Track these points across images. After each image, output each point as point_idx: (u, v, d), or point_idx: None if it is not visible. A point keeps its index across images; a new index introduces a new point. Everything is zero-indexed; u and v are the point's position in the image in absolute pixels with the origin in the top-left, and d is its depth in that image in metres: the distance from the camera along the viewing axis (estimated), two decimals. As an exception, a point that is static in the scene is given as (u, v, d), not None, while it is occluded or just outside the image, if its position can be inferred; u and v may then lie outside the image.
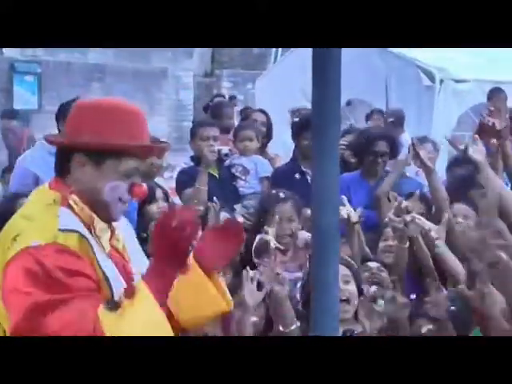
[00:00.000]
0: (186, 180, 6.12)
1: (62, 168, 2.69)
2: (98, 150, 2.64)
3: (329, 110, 2.21)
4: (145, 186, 2.72)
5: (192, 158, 6.53)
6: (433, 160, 5.44)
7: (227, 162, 6.52)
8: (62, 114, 5.22)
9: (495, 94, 8.93)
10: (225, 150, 6.39)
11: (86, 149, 2.64)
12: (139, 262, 2.80)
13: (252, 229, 4.87)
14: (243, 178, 6.44)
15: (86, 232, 2.59)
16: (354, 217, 4.90)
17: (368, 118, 9.72)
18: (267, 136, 7.25)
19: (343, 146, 6.42)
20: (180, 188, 6.14)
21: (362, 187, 5.98)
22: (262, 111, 7.60)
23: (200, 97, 18.45)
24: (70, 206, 2.61)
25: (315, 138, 2.23)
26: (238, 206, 6.07)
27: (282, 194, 5.03)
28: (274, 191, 5.23)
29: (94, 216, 2.65)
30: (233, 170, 6.45)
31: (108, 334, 2.38)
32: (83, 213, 2.63)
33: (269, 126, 7.30)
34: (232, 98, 8.86)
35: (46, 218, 2.57)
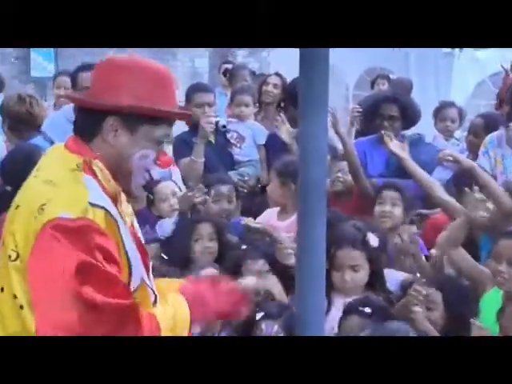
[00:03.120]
0: (183, 147, 5.95)
1: (90, 130, 2.44)
2: (139, 114, 2.42)
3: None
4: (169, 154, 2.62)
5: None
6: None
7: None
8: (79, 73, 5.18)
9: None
10: (222, 121, 6.20)
11: (126, 113, 2.41)
12: None
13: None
14: (238, 145, 6.26)
15: (112, 208, 2.38)
16: None
17: (373, 83, 9.57)
18: (284, 100, 6.80)
19: (357, 113, 6.17)
20: (178, 156, 5.90)
21: (380, 153, 5.57)
22: (277, 74, 7.12)
23: (215, 65, 18.37)
24: (93, 174, 2.38)
25: (303, 86, 2.13)
26: (232, 173, 6.00)
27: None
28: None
29: (119, 187, 2.45)
30: (228, 136, 6.27)
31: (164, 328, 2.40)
32: (108, 182, 2.41)
33: (284, 89, 6.81)
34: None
35: (73, 187, 2.35)
